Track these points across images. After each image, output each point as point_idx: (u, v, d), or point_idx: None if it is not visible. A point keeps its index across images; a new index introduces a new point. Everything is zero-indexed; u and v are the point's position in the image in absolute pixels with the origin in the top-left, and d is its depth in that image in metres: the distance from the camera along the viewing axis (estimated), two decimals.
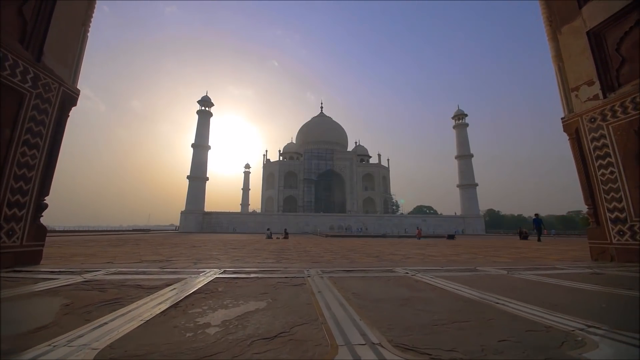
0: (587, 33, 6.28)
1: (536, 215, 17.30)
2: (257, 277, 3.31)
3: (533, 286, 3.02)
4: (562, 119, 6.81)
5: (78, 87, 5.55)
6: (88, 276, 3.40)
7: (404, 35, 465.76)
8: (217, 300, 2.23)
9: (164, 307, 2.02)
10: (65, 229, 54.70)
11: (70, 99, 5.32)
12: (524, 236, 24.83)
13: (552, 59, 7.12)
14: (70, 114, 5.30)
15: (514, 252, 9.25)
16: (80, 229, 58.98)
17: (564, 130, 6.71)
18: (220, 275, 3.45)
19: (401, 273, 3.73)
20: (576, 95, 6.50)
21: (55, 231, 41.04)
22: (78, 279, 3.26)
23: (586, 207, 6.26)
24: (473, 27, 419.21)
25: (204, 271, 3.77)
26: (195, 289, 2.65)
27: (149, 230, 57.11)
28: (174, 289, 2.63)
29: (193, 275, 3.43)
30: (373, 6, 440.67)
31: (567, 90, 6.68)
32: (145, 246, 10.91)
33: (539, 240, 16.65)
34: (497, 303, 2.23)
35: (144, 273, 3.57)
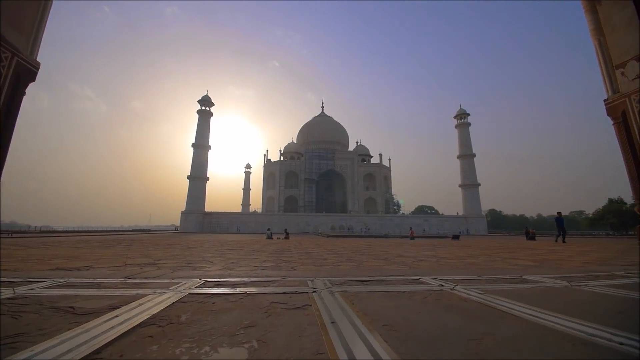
0: (635, 0, 5.42)
1: (558, 214, 16.17)
2: (244, 293, 2.46)
3: (633, 307, 2.15)
4: (604, 100, 5.92)
5: (38, 59, 4.66)
6: (23, 289, 2.55)
7: (405, 34, 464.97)
8: (166, 345, 1.36)
9: None
10: (66, 229, 54.38)
11: (27, 72, 4.44)
12: (530, 236, 24.06)
13: (591, 33, 6.22)
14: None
15: (530, 254, 8.51)
16: (81, 229, 58.49)
17: (608, 114, 5.83)
18: (196, 290, 2.59)
19: (434, 285, 2.88)
20: (622, 73, 5.62)
21: (55, 231, 40.65)
22: (6, 293, 2.42)
23: (634, 201, 5.37)
24: (474, 25, 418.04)
25: (180, 282, 2.93)
26: (148, 316, 1.79)
27: (149, 230, 56.52)
28: (116, 316, 1.77)
29: (159, 290, 2.57)
30: (374, 6, 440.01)
31: (611, 68, 5.80)
32: (137, 247, 10.20)
33: (563, 240, 15.60)
34: (622, 344, 1.38)
35: (97, 286, 2.73)
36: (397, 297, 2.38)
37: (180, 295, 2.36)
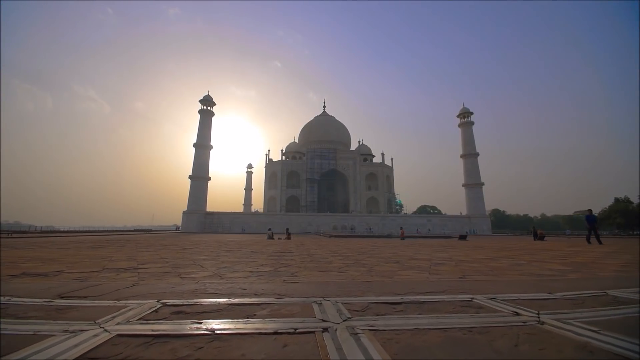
0: None
1: (589, 211, 14.57)
2: (211, 334, 1.52)
3: None
4: None
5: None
6: None
7: (407, 33, 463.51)
8: None
9: None
10: (68, 230, 54.07)
11: None
12: (539, 237, 23.18)
13: None
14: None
15: (554, 256, 7.72)
16: (83, 229, 58.29)
17: None
18: (134, 327, 1.63)
19: (504, 312, 1.96)
20: None
21: (56, 232, 40.24)
22: None
23: None
24: (477, 24, 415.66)
25: (125, 307, 2.04)
26: None
27: (151, 230, 56.00)
28: None
29: (76, 326, 1.62)
30: (375, 5, 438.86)
31: None
32: (128, 249, 9.54)
33: (594, 241, 13.94)
34: None
35: None
36: (468, 342, 1.42)
37: (100, 340, 1.42)
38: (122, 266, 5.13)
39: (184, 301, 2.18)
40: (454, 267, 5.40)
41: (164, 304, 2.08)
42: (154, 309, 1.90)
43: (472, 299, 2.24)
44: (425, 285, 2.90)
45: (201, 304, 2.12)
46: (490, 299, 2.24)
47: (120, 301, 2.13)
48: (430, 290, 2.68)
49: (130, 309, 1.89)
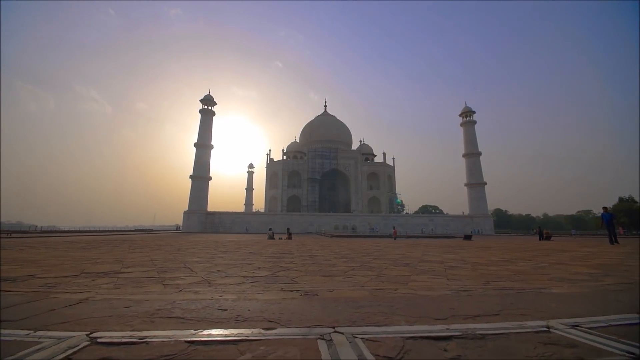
0: None
1: (605, 209, 13.79)
2: None
3: None
4: None
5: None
6: None
7: (408, 33, 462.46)
8: None
9: None
10: (70, 230, 53.95)
11: None
12: (546, 237, 22.62)
13: None
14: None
15: (573, 257, 7.22)
16: (84, 229, 58.26)
17: None
18: None
19: (617, 352, 1.29)
20: None
21: (56, 232, 40.08)
22: None
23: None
24: (479, 23, 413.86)
25: (36, 345, 1.41)
26: None
27: (152, 230, 55.68)
28: None
29: None
30: (377, 5, 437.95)
31: None
32: (120, 250, 9.10)
33: (613, 241, 13.10)
34: None
35: None
36: None
37: None
38: (104, 270, 4.63)
39: (126, 335, 1.53)
40: (471, 270, 4.89)
41: (93, 340, 1.44)
42: (70, 352, 1.28)
43: (548, 328, 1.63)
44: (466, 304, 2.27)
45: (148, 342, 1.43)
46: (572, 326, 1.64)
47: (38, 332, 1.55)
48: (478, 312, 2.00)
49: (38, 349, 1.30)
